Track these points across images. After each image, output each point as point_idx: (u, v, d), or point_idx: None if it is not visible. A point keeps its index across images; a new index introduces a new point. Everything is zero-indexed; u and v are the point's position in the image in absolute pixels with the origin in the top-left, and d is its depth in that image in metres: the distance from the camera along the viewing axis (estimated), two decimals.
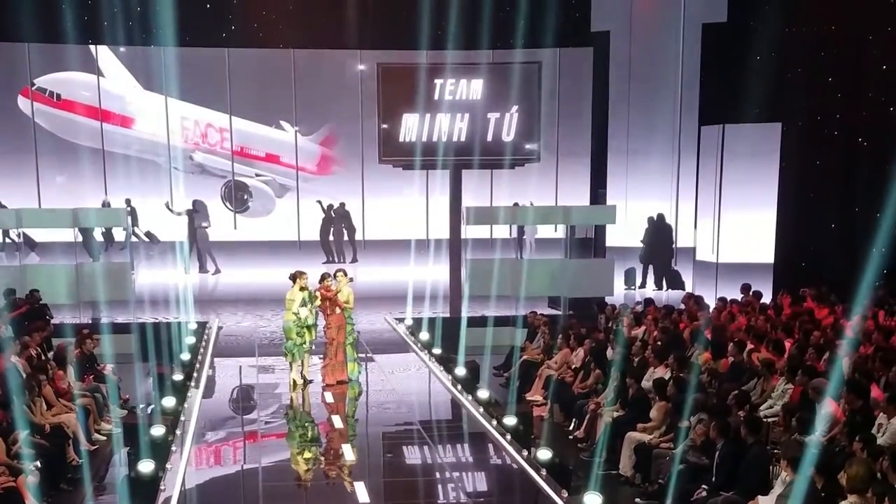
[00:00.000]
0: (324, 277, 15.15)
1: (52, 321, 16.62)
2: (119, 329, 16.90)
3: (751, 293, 17.83)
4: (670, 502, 9.83)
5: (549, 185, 25.69)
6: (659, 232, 23.35)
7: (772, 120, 20.28)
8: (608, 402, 12.26)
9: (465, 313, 18.63)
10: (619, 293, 21.38)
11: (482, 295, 18.74)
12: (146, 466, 10.23)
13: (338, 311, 15.02)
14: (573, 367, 14.16)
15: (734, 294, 18.26)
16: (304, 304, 14.79)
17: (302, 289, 14.83)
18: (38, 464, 9.99)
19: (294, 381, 15.10)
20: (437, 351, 16.91)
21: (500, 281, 18.25)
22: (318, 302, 14.95)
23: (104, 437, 12.27)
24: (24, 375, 12.04)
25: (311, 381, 15.29)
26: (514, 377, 14.69)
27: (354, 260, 25.79)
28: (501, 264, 18.62)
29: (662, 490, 10.08)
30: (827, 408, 10.03)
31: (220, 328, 19.53)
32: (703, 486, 9.39)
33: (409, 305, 19.88)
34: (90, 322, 17.61)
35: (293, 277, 14.89)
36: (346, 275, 15.28)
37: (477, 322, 17.75)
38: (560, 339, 14.90)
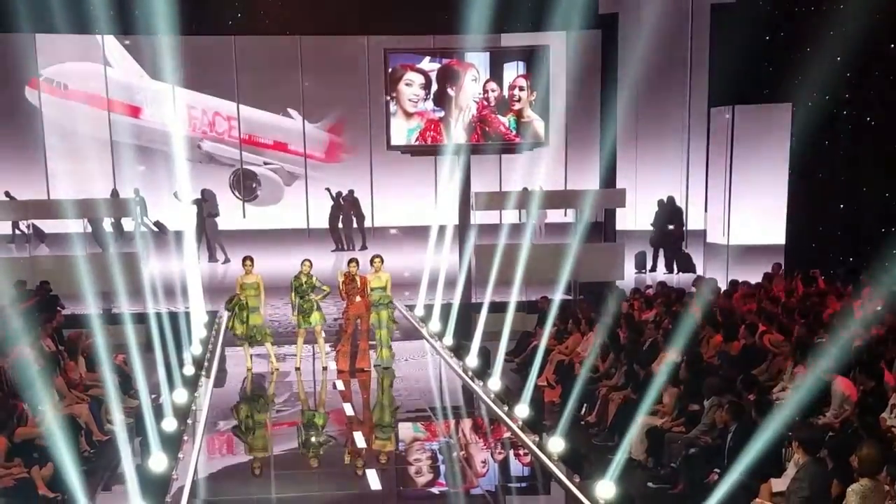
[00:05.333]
0: (351, 262, 15.35)
1: (63, 312, 16.64)
2: (130, 319, 16.87)
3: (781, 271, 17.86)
4: (683, 486, 9.85)
5: (558, 169, 25.54)
6: (669, 215, 23.25)
7: (782, 100, 20.13)
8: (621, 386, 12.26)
9: (475, 299, 18.58)
10: (629, 277, 21.30)
11: (492, 281, 18.64)
12: (158, 456, 10.25)
13: (358, 299, 15.05)
14: (584, 351, 14.11)
15: (745, 276, 18.18)
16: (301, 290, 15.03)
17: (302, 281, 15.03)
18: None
19: (249, 369, 15.43)
20: (447, 338, 16.87)
21: (509, 266, 18.09)
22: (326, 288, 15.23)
23: (116, 428, 12.28)
24: (36, 367, 12.06)
25: (325, 368, 15.40)
26: (534, 363, 14.31)
27: (364, 247, 25.73)
28: (510, 249, 18.47)
29: (675, 473, 10.07)
30: (839, 389, 9.99)
31: None
32: (717, 469, 9.37)
33: (422, 292, 19.78)
34: (101, 313, 17.59)
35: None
36: (381, 261, 15.48)
37: (487, 308, 17.67)
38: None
